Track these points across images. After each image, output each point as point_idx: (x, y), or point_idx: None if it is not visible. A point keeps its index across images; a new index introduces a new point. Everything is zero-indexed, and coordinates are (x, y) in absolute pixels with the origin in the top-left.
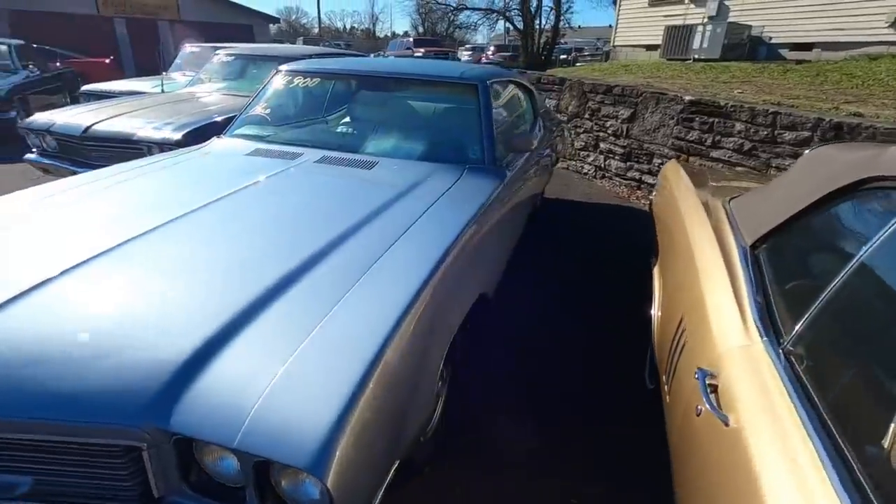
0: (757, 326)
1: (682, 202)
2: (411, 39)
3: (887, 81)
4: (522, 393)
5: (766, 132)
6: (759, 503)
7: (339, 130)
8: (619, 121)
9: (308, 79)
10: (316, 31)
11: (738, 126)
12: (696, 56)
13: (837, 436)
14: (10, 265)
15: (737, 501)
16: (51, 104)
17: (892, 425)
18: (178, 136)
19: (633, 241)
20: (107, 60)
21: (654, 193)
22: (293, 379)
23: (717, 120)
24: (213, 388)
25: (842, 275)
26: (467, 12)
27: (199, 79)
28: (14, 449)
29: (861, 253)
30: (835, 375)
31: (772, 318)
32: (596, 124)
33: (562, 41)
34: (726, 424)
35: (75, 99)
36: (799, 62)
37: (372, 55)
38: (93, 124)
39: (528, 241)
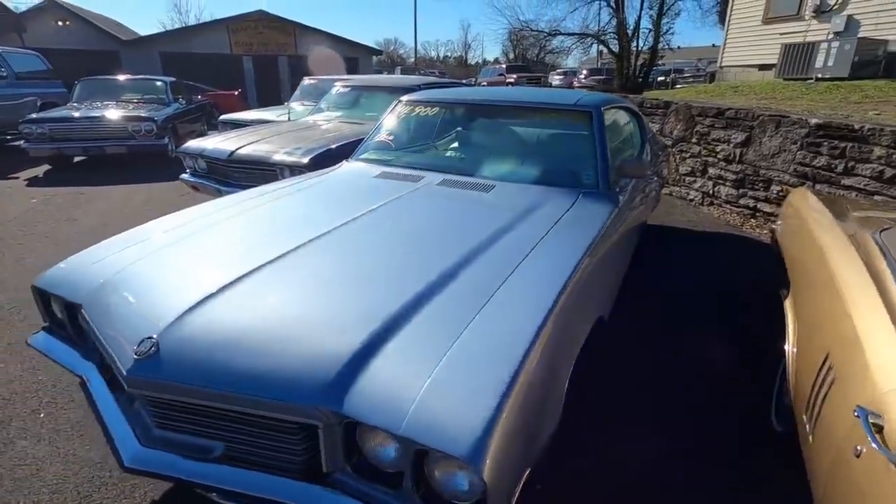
0: None
1: (821, 232)
2: (503, 66)
3: None
4: (634, 419)
5: None
6: None
7: (456, 155)
8: (732, 145)
9: (428, 108)
10: (412, 60)
11: (878, 151)
12: (820, 75)
13: None
14: (203, 267)
15: None
16: (193, 132)
17: None
18: (305, 160)
19: (748, 273)
20: (235, 93)
21: (777, 222)
22: (449, 378)
23: (850, 144)
24: (379, 380)
25: None
26: (560, 37)
27: (319, 108)
28: (212, 417)
29: None
30: None
31: None
32: (704, 149)
33: (660, 63)
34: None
35: (213, 127)
36: None
37: (464, 82)
38: (237, 149)
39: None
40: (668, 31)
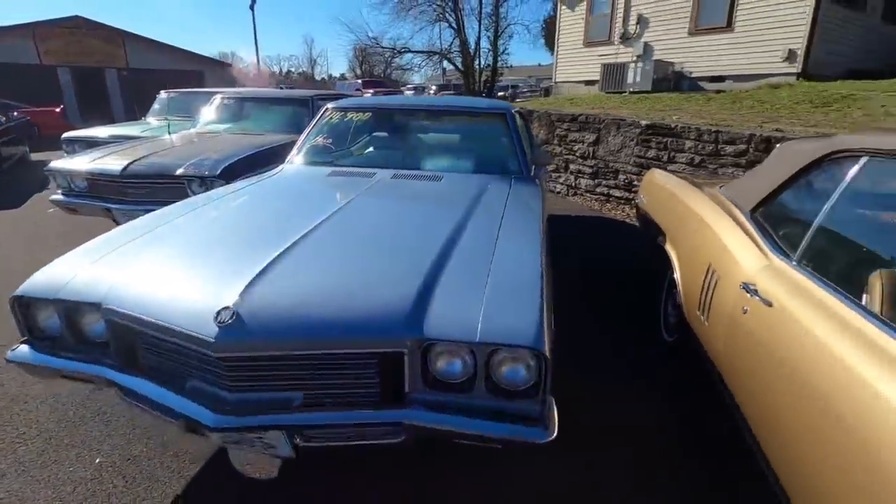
0: (774, 254)
1: (683, 192)
2: (360, 81)
3: (790, 105)
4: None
5: (711, 147)
6: (803, 349)
7: (396, 154)
8: (586, 144)
9: (360, 113)
10: (253, 74)
11: (689, 144)
12: (631, 89)
13: (842, 293)
14: (238, 246)
15: (783, 356)
16: (13, 155)
17: (865, 288)
18: (218, 170)
19: (617, 241)
20: (57, 109)
21: (640, 196)
22: (496, 299)
23: (670, 139)
24: (445, 309)
25: (824, 211)
26: (410, 54)
27: (201, 121)
28: (290, 369)
29: (832, 198)
30: (830, 269)
31: (779, 249)
32: (565, 149)
33: (500, 79)
34: (770, 305)
35: (36, 147)
36: (718, 92)
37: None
38: (130, 164)
39: None
40: (504, 51)
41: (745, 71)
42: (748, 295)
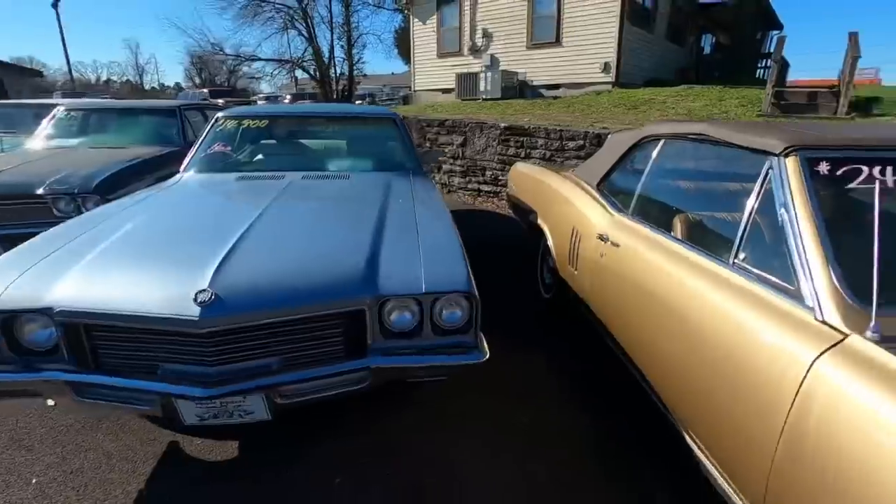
0: (615, 212)
1: (546, 177)
2: (206, 91)
3: (609, 108)
4: None
5: (557, 144)
6: (642, 268)
7: (299, 159)
8: (455, 146)
9: (256, 120)
10: (60, 82)
11: (540, 141)
12: (484, 97)
13: (660, 230)
14: (193, 235)
15: (631, 276)
16: None
17: (674, 220)
18: (92, 185)
19: (492, 226)
20: None
21: (510, 186)
22: (430, 260)
23: (525, 138)
24: (393, 271)
25: (643, 179)
26: (260, 62)
27: (44, 135)
28: (267, 336)
29: (647, 168)
30: (651, 216)
31: (619, 208)
32: (437, 150)
33: (356, 88)
34: (618, 246)
35: None
36: (555, 98)
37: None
38: None
39: None
40: (359, 59)
41: (575, 80)
42: (603, 242)
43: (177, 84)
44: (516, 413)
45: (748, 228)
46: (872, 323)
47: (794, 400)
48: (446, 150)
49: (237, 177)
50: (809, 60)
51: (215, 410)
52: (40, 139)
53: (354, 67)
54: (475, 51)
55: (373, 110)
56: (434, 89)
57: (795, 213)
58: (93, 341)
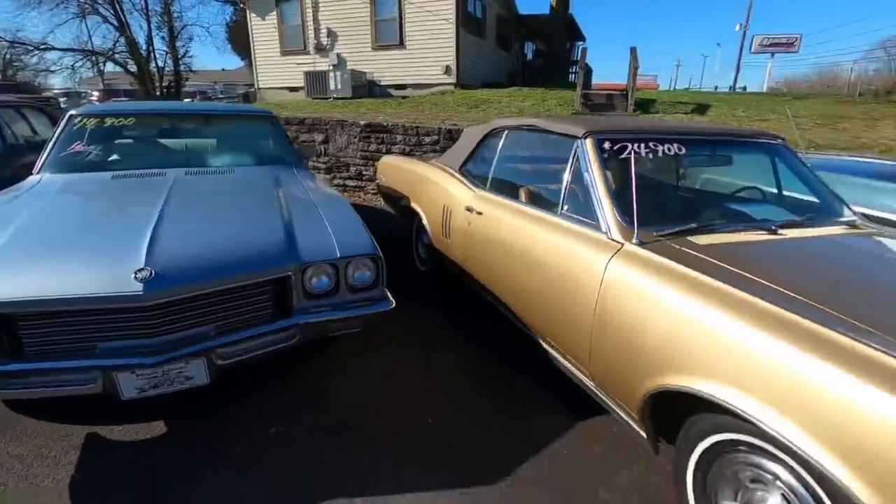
0: (476, 188)
1: (415, 166)
2: None
3: (454, 106)
4: None
5: (415, 139)
6: (498, 228)
7: (175, 156)
8: (318, 143)
9: (119, 119)
10: None
11: (399, 137)
12: (335, 96)
13: (511, 198)
14: (111, 221)
15: (491, 236)
16: None
17: (520, 190)
18: None
19: (363, 218)
20: None
21: (380, 178)
22: (338, 231)
23: (385, 135)
24: (308, 242)
25: (494, 162)
26: (56, 53)
27: None
28: (204, 307)
29: (497, 153)
30: (503, 189)
31: (479, 185)
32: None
33: (184, 85)
34: (481, 214)
35: None
36: (404, 98)
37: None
38: None
39: None
40: (185, 54)
41: (421, 81)
42: (469, 213)
43: None
44: (415, 354)
45: (567, 188)
46: (635, 235)
47: (600, 288)
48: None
49: (112, 175)
50: (610, 66)
51: (156, 380)
52: None
53: (181, 62)
54: (321, 49)
55: (249, 108)
56: (281, 87)
57: (592, 175)
58: (18, 330)
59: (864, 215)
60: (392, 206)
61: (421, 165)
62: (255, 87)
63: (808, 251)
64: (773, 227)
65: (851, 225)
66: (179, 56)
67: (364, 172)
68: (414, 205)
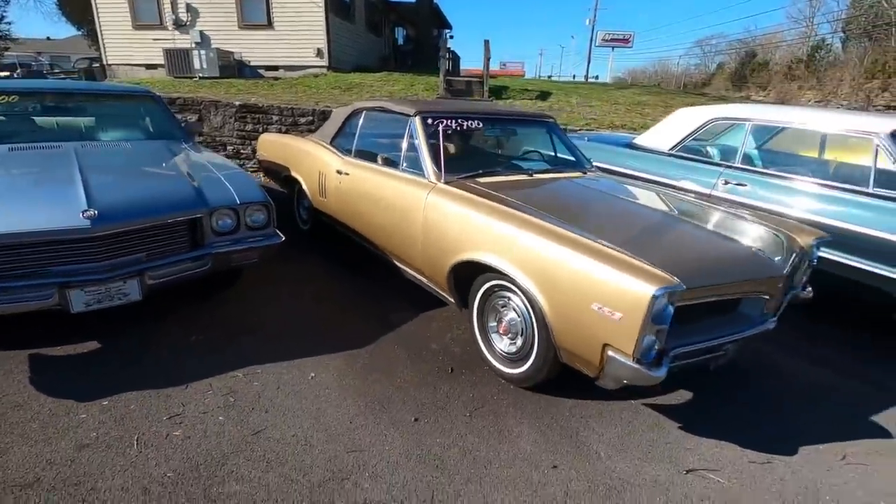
0: (344, 155)
1: (293, 141)
2: None
3: (327, 89)
4: None
5: (290, 119)
6: (363, 184)
7: (67, 131)
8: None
9: (5, 96)
10: None
11: (275, 118)
12: (201, 75)
13: (373, 162)
14: (28, 181)
15: (357, 190)
16: None
17: (377, 156)
18: None
19: None
20: None
21: (260, 154)
22: (235, 186)
23: (261, 115)
24: (213, 192)
25: (357, 136)
26: None
27: None
28: (137, 239)
29: (358, 129)
30: (365, 155)
31: (346, 153)
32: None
33: (9, 53)
34: (348, 175)
35: None
36: (276, 79)
37: None
38: None
39: None
40: (2, 19)
41: (293, 62)
42: (340, 175)
43: None
44: (305, 287)
45: (404, 153)
46: (443, 179)
47: (423, 212)
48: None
49: (9, 148)
50: (479, 53)
51: (100, 296)
52: None
53: None
54: (181, 26)
55: (133, 89)
56: (135, 64)
57: (419, 142)
58: None
59: (601, 168)
60: (272, 178)
61: (298, 140)
62: (104, 62)
63: (546, 185)
64: (531, 173)
65: (586, 171)
66: None
67: (242, 151)
68: (294, 174)
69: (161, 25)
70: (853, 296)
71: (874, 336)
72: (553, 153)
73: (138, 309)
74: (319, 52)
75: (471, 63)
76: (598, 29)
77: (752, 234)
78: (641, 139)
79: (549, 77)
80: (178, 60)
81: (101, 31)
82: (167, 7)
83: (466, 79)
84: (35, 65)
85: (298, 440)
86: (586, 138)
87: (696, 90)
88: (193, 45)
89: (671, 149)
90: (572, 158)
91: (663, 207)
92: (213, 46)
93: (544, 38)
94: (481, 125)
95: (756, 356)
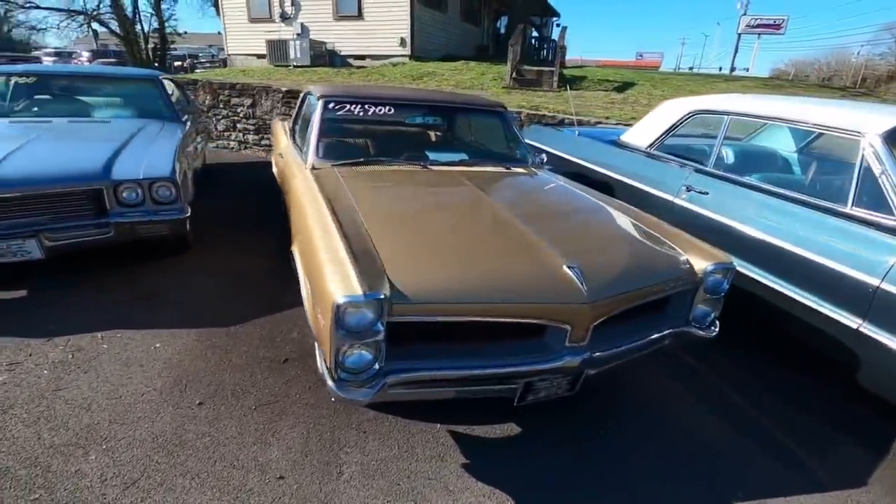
0: (287, 138)
1: (275, 124)
2: None
3: (399, 78)
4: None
5: None
6: (290, 165)
7: (68, 108)
8: (246, 107)
9: (24, 77)
10: None
11: None
12: (295, 64)
13: (297, 147)
14: None
15: (287, 173)
16: None
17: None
18: None
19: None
20: None
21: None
22: (150, 159)
23: None
24: (124, 166)
25: (300, 119)
26: (42, 12)
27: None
28: (42, 203)
29: (301, 112)
30: (297, 140)
31: (291, 135)
32: (230, 111)
33: (173, 48)
34: (282, 157)
35: None
36: (360, 67)
37: None
38: None
39: (214, 191)
40: (170, 16)
41: (378, 52)
42: (281, 158)
43: None
44: (237, 262)
45: (306, 135)
46: (310, 164)
47: (296, 194)
48: (238, 112)
49: (10, 120)
50: (602, 43)
51: (5, 251)
52: None
53: (166, 25)
54: (285, 18)
55: (134, 72)
56: (248, 54)
57: (313, 125)
58: None
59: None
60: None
61: (278, 124)
62: (226, 52)
63: (419, 178)
64: (424, 164)
65: (518, 167)
66: (165, 18)
67: None
68: (272, 157)
69: (270, 19)
70: (803, 342)
71: (822, 404)
72: (487, 146)
73: (68, 267)
74: (402, 42)
75: (588, 53)
76: (749, 13)
77: (604, 249)
78: (627, 135)
79: (691, 69)
80: (277, 50)
81: (225, 25)
82: (276, 2)
83: (538, 69)
84: (202, 55)
85: (81, 404)
86: (577, 132)
87: (874, 87)
88: (294, 36)
89: (648, 146)
90: (509, 152)
91: (519, 212)
92: (310, 37)
93: (686, 27)
94: (392, 111)
95: (649, 400)
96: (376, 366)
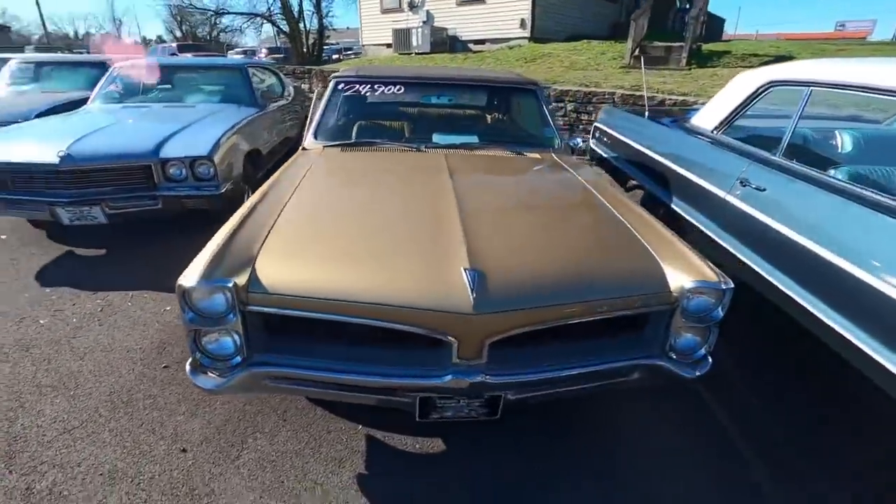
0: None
1: None
2: (174, 45)
3: (512, 61)
4: None
5: None
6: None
7: (167, 94)
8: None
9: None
10: (36, 37)
11: None
12: (416, 51)
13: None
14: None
15: None
16: None
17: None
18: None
19: None
20: None
21: None
22: (196, 139)
23: None
24: (172, 147)
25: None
26: (231, 16)
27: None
28: (100, 177)
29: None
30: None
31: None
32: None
33: (330, 42)
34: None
35: None
36: (477, 52)
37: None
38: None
39: None
40: (328, 13)
41: (497, 35)
42: None
43: (158, 37)
44: None
45: (311, 118)
46: (304, 144)
47: (282, 168)
48: None
49: (122, 106)
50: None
51: (78, 215)
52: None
53: (324, 21)
54: (413, 7)
55: (226, 62)
56: (379, 44)
57: (319, 105)
58: None
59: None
60: None
61: None
62: (361, 43)
63: (401, 162)
64: (418, 148)
65: (541, 151)
66: (324, 15)
67: None
68: None
69: (399, 8)
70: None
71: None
72: (507, 127)
73: (145, 230)
74: (522, 23)
75: (784, 26)
76: None
77: (540, 254)
78: (697, 116)
79: None
80: (401, 39)
81: (361, 17)
82: None
83: (668, 44)
84: (355, 48)
85: (80, 353)
86: (646, 115)
87: None
88: (420, 24)
89: (715, 129)
90: (532, 134)
91: (475, 205)
92: (433, 24)
93: None
94: (403, 90)
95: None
96: (238, 357)
